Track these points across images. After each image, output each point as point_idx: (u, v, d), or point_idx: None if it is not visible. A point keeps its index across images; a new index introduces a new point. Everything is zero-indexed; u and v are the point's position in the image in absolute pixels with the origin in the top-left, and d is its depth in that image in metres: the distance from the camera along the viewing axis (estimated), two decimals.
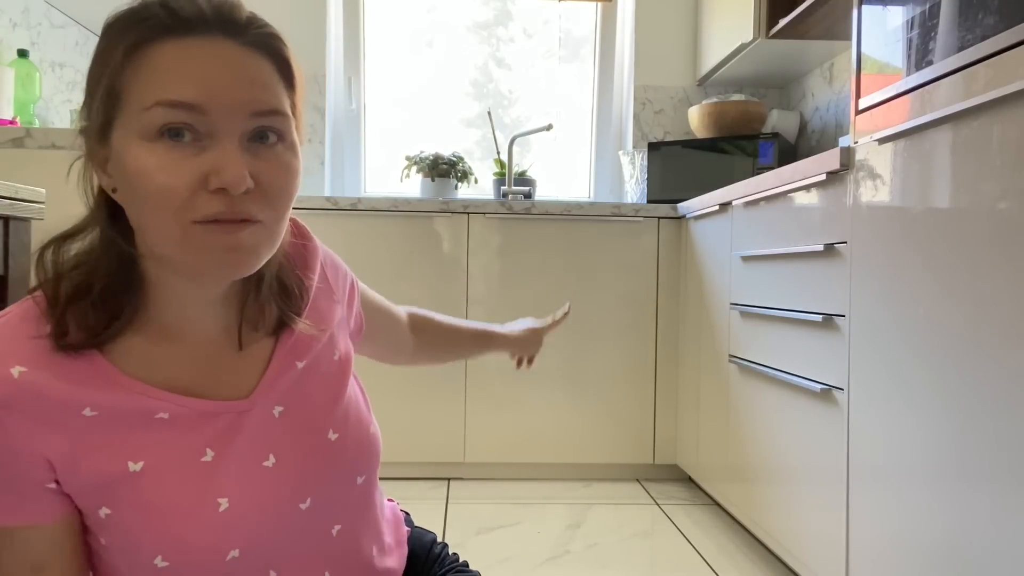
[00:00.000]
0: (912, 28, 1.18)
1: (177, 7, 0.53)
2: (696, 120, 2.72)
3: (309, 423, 0.66)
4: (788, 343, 1.60)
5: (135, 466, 0.56)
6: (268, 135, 0.56)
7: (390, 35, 3.12)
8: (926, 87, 1.12)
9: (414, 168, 2.87)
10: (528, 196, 2.91)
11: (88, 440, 0.55)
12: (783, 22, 2.21)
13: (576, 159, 3.18)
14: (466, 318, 2.42)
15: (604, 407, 2.45)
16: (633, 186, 2.82)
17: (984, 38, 1.00)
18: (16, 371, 0.53)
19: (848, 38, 2.18)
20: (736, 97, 2.69)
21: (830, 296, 1.41)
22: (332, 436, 0.67)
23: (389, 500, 0.83)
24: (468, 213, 2.41)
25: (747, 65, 2.67)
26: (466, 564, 0.85)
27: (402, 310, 0.94)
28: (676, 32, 2.98)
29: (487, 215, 2.42)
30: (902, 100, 1.19)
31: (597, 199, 3.11)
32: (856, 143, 1.33)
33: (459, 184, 2.89)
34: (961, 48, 1.05)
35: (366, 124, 3.09)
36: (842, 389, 1.36)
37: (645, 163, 2.74)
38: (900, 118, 1.19)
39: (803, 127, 2.71)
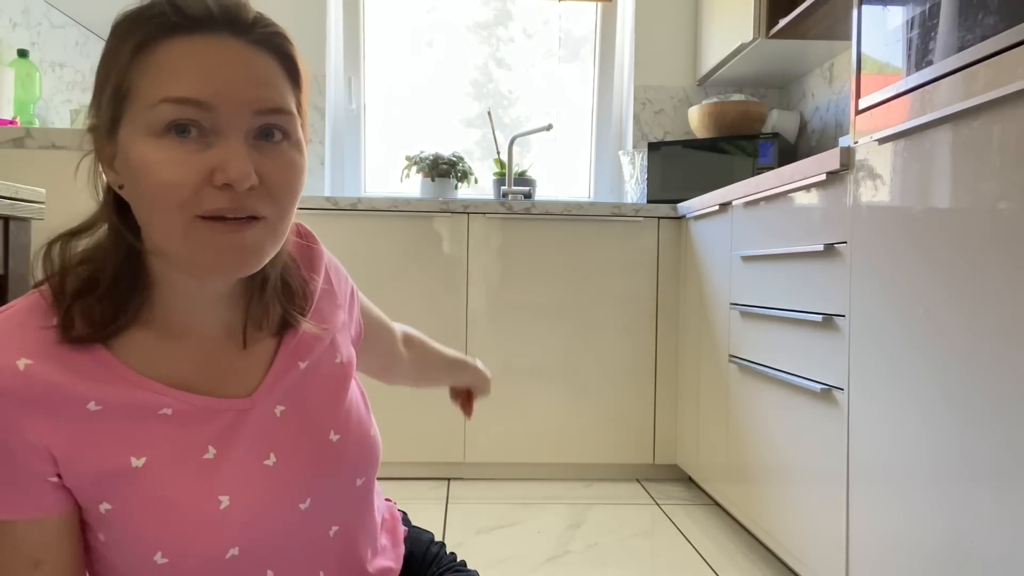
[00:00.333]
0: (912, 28, 1.18)
1: (184, 5, 0.54)
2: (696, 120, 2.72)
3: (310, 423, 0.66)
4: (788, 343, 1.60)
5: (137, 461, 0.56)
6: (274, 133, 0.56)
7: (390, 35, 3.12)
8: (926, 87, 1.12)
9: (414, 168, 2.87)
10: (528, 196, 2.91)
11: (91, 434, 0.55)
12: (783, 22, 2.21)
13: (576, 159, 3.18)
14: (466, 318, 2.42)
15: (604, 407, 2.45)
16: (633, 186, 2.82)
17: (984, 38, 1.00)
18: (22, 363, 0.53)
19: (848, 38, 2.18)
20: (736, 97, 2.69)
21: (830, 296, 1.41)
22: (333, 437, 0.67)
23: (387, 500, 0.83)
24: (468, 213, 2.41)
25: (747, 65, 2.67)
26: (464, 563, 0.85)
27: (396, 326, 0.94)
28: (676, 32, 2.98)
29: (487, 215, 2.42)
30: (902, 100, 1.19)
31: (597, 199, 3.11)
32: (856, 143, 1.33)
33: (459, 184, 2.89)
34: (961, 48, 1.05)
35: (366, 124, 3.09)
36: (842, 389, 1.36)
37: (645, 163, 2.74)
38: (900, 118, 1.19)
39: (803, 127, 2.72)
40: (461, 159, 2.88)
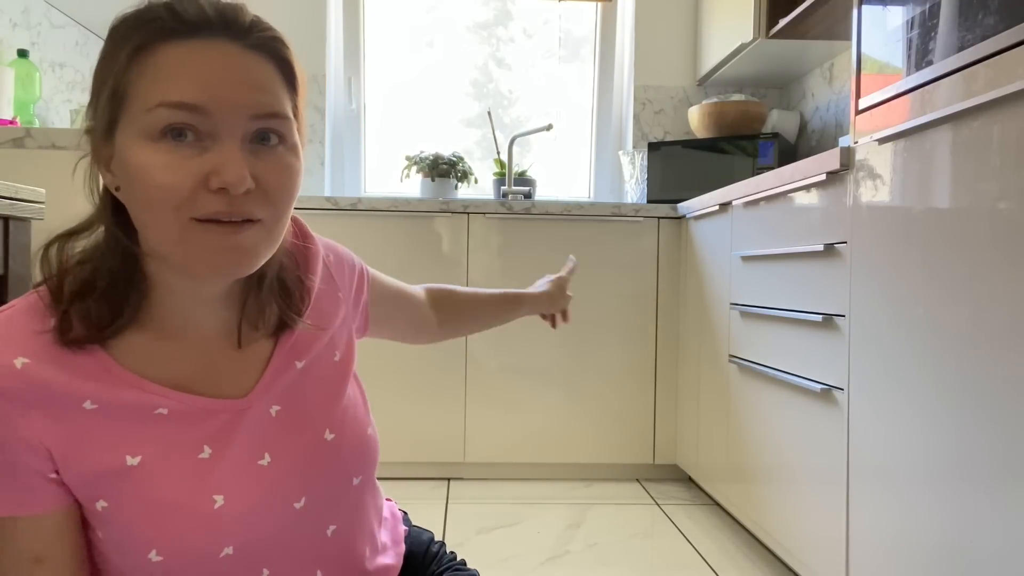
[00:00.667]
0: (912, 28, 1.18)
1: (181, 10, 0.54)
2: (696, 120, 2.72)
3: (305, 423, 0.66)
4: (788, 343, 1.60)
5: (133, 460, 0.57)
6: (270, 137, 0.57)
7: (390, 35, 3.12)
8: (926, 87, 1.12)
9: (414, 168, 2.87)
10: (528, 196, 2.91)
11: (87, 432, 0.56)
12: (783, 22, 2.21)
13: (576, 159, 3.18)
14: None
15: (604, 407, 2.45)
16: (633, 186, 2.82)
17: (984, 38, 1.00)
18: (19, 362, 0.54)
19: (848, 38, 2.18)
20: (736, 97, 2.69)
21: (830, 296, 1.41)
22: (328, 436, 0.67)
23: (388, 500, 0.83)
24: (468, 213, 2.41)
25: (747, 65, 2.67)
26: (464, 563, 0.85)
27: (419, 288, 0.94)
28: (676, 32, 2.98)
29: (487, 215, 2.42)
30: (902, 100, 1.19)
31: (597, 199, 3.11)
32: (856, 143, 1.33)
33: (459, 184, 2.89)
34: (961, 48, 1.05)
35: (366, 124, 3.09)
36: (842, 389, 1.36)
37: (645, 163, 2.74)
38: (900, 118, 1.19)
39: (803, 127, 2.71)
40: (461, 159, 2.88)
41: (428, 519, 2.02)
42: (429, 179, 2.84)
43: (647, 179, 2.70)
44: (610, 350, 2.45)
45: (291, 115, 0.58)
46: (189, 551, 0.58)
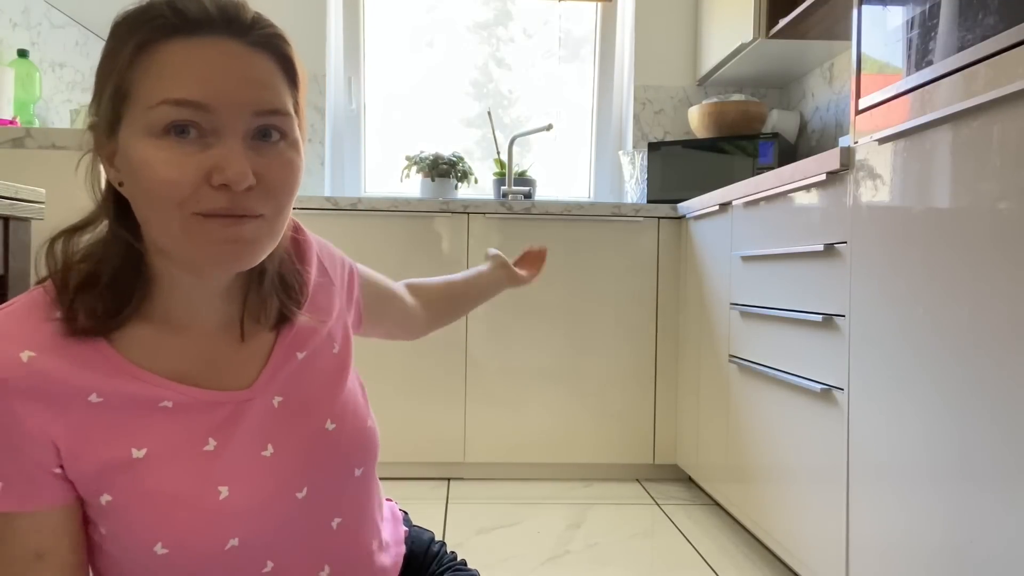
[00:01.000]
0: (912, 28, 1.18)
1: (183, 7, 0.55)
2: (696, 120, 2.72)
3: (307, 413, 0.67)
4: (788, 343, 1.60)
5: (138, 453, 0.57)
6: (271, 133, 0.57)
7: (390, 35, 3.12)
8: (926, 87, 1.12)
9: (414, 168, 2.87)
10: (528, 196, 2.91)
11: (93, 425, 0.56)
12: (783, 22, 2.21)
13: (576, 159, 3.18)
14: (466, 318, 2.42)
15: (604, 407, 2.45)
16: (633, 186, 2.82)
17: (984, 38, 1.00)
18: (25, 355, 0.54)
19: (848, 38, 2.18)
20: (736, 97, 2.69)
21: (830, 296, 1.41)
22: (329, 426, 0.67)
23: (388, 499, 0.84)
24: (468, 213, 2.41)
25: (747, 65, 2.67)
26: (464, 563, 0.85)
27: (400, 285, 0.95)
28: (676, 32, 2.98)
29: (487, 215, 2.42)
30: (902, 100, 1.19)
31: (597, 199, 3.11)
32: (856, 143, 1.33)
33: (459, 184, 2.89)
34: (961, 48, 1.05)
35: (366, 124, 3.09)
36: (842, 389, 1.36)
37: (645, 163, 2.74)
38: (900, 118, 1.19)
39: (803, 127, 2.72)
40: (461, 159, 2.88)
41: (428, 519, 2.02)
42: (429, 179, 2.84)
43: (647, 179, 2.70)
44: (610, 350, 2.45)
45: (292, 111, 0.59)
46: (195, 543, 0.58)
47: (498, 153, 3.00)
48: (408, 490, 2.30)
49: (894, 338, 1.20)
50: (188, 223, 0.55)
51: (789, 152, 2.51)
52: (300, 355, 0.68)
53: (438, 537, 0.89)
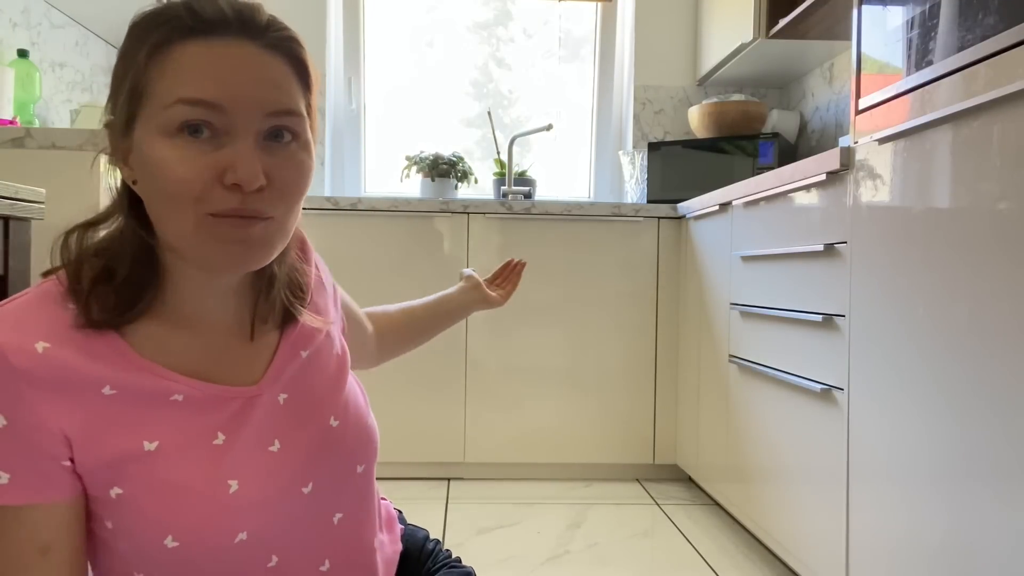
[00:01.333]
0: (912, 28, 1.18)
1: (200, 9, 0.56)
2: (696, 120, 2.72)
3: (311, 410, 0.68)
4: (788, 343, 1.60)
5: (150, 445, 0.58)
6: (283, 134, 0.58)
7: (390, 35, 3.12)
8: (926, 87, 1.13)
9: (414, 168, 2.87)
10: (528, 196, 2.91)
11: (106, 417, 0.57)
12: (783, 22, 2.21)
13: (576, 159, 3.18)
14: (467, 319, 2.42)
15: (604, 407, 2.45)
16: (633, 186, 2.82)
17: (984, 38, 1.00)
18: (40, 346, 0.55)
19: (848, 38, 2.18)
20: (736, 97, 2.69)
21: (830, 296, 1.41)
22: (333, 423, 0.69)
23: (383, 499, 0.84)
24: (468, 213, 2.41)
25: (747, 65, 2.67)
26: (459, 560, 0.85)
27: (365, 313, 0.96)
28: (676, 32, 2.98)
29: (487, 215, 2.42)
30: (902, 100, 1.19)
31: (597, 199, 3.11)
32: (856, 143, 1.33)
33: (459, 184, 2.89)
34: (961, 48, 1.05)
35: (366, 124, 3.09)
36: (842, 389, 1.36)
37: (645, 163, 2.74)
38: (900, 118, 1.19)
39: (803, 127, 2.72)
40: (461, 159, 2.88)
41: (428, 519, 2.02)
42: (429, 179, 2.84)
43: (647, 179, 2.70)
44: (610, 350, 2.45)
45: (304, 113, 0.60)
46: (206, 536, 0.58)
47: (498, 153, 3.00)
48: (408, 490, 2.30)
49: (894, 338, 1.20)
50: (201, 222, 0.55)
51: (789, 152, 2.51)
52: (304, 353, 0.69)
53: (440, 540, 0.89)
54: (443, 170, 2.83)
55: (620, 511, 2.15)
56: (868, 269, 1.28)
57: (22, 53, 1.92)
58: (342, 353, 0.74)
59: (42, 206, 1.10)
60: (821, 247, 1.42)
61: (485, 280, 1.14)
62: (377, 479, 0.77)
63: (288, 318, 0.68)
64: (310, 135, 0.61)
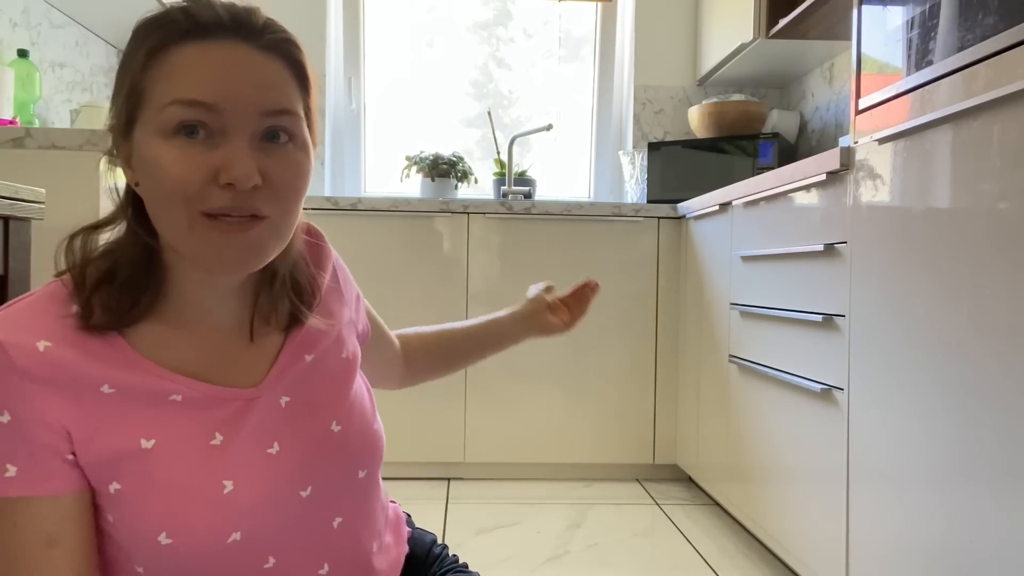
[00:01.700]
0: (912, 28, 1.18)
1: (196, 13, 0.57)
2: (696, 120, 2.72)
3: (313, 414, 0.68)
4: (788, 343, 1.60)
5: (147, 443, 0.59)
6: (279, 135, 0.59)
7: (390, 35, 3.12)
8: (926, 87, 1.13)
9: (414, 168, 2.87)
10: (528, 196, 2.91)
11: (104, 415, 0.58)
12: (783, 22, 2.21)
13: (576, 159, 3.18)
14: (465, 318, 2.42)
15: (604, 407, 2.45)
16: (633, 186, 2.82)
17: (984, 38, 1.00)
18: (42, 345, 0.56)
19: (848, 38, 2.17)
20: (736, 97, 2.69)
21: (830, 296, 1.41)
22: (335, 428, 0.68)
23: (392, 501, 0.84)
24: (468, 213, 2.41)
25: (747, 65, 2.67)
26: (465, 565, 0.85)
27: (393, 335, 0.94)
28: (676, 32, 2.98)
29: (487, 215, 2.42)
30: (902, 100, 1.19)
31: (597, 199, 3.11)
32: (856, 143, 1.33)
33: (459, 184, 2.89)
34: (961, 48, 1.05)
35: (366, 124, 3.09)
36: (842, 389, 1.36)
37: (645, 163, 2.74)
38: (900, 118, 1.19)
39: (803, 127, 2.72)
40: (461, 159, 2.88)
41: (428, 519, 2.02)
42: (429, 179, 2.84)
43: (647, 179, 2.70)
44: (610, 350, 2.45)
45: (301, 113, 0.60)
46: (198, 535, 0.59)
47: (498, 153, 3.00)
48: (408, 490, 2.30)
49: (894, 338, 1.20)
50: (195, 222, 0.56)
51: (789, 152, 2.51)
52: (308, 357, 0.69)
53: (440, 540, 0.89)
54: (443, 170, 2.83)
55: (620, 511, 2.15)
56: (868, 269, 1.28)
57: (22, 53, 1.92)
58: (352, 358, 0.74)
59: (42, 206, 1.10)
60: (821, 247, 1.42)
61: (556, 298, 1.00)
62: (381, 479, 0.77)
63: (293, 321, 0.68)
64: (308, 136, 0.61)
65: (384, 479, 0.78)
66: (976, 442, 1.00)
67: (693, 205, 2.26)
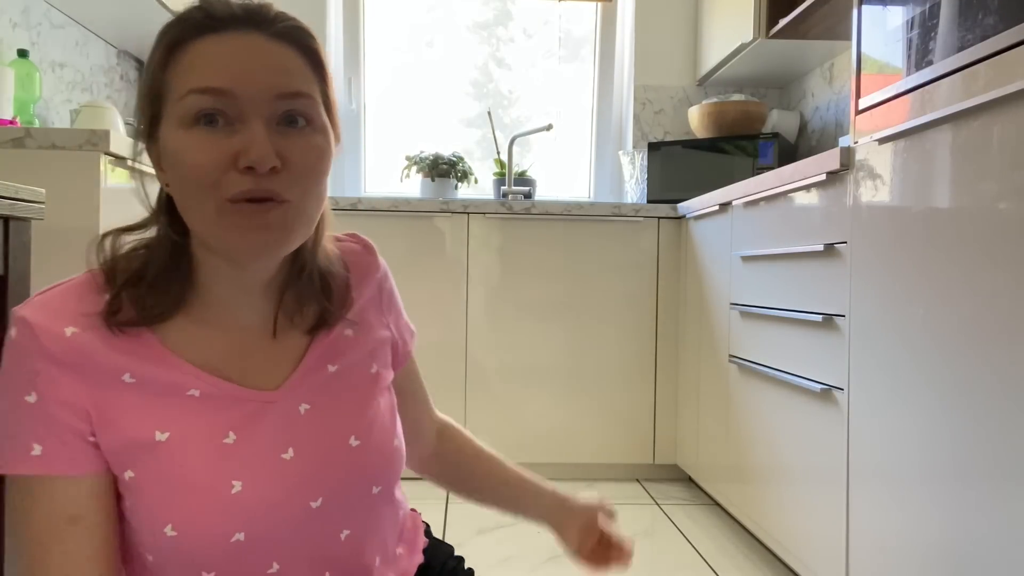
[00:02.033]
0: (912, 28, 1.18)
1: (210, 8, 0.59)
2: (696, 120, 2.72)
3: (332, 426, 0.67)
4: (788, 343, 1.60)
5: (161, 435, 0.60)
6: (297, 119, 0.60)
7: (390, 35, 3.12)
8: (926, 87, 1.12)
9: (414, 168, 2.87)
10: (528, 196, 2.91)
11: (123, 404, 0.59)
12: (783, 22, 2.21)
13: (576, 159, 3.18)
14: (466, 318, 2.42)
15: (604, 407, 2.44)
16: (633, 186, 2.82)
17: (984, 38, 1.00)
18: (69, 331, 0.58)
19: (848, 38, 2.17)
20: (736, 97, 2.69)
21: (830, 296, 1.41)
22: (354, 442, 0.67)
23: (413, 510, 0.83)
24: (468, 213, 2.41)
25: (747, 65, 2.67)
26: (471, 572, 0.85)
27: (438, 413, 0.90)
28: (676, 32, 2.98)
29: (487, 215, 2.42)
30: (902, 100, 1.19)
31: (597, 199, 3.11)
32: (856, 143, 1.33)
33: (459, 184, 2.89)
34: (961, 48, 1.05)
35: (366, 124, 3.09)
36: (842, 389, 1.36)
37: (645, 163, 2.74)
38: (900, 118, 1.19)
39: (803, 127, 2.71)
40: (461, 159, 2.88)
41: (428, 519, 2.02)
42: (429, 179, 2.84)
43: (647, 179, 2.70)
44: (610, 350, 2.44)
45: (316, 96, 0.61)
46: (202, 530, 0.59)
47: (498, 153, 3.00)
48: (408, 490, 2.27)
49: (894, 338, 1.20)
50: (221, 209, 0.57)
51: (789, 152, 2.51)
52: (332, 367, 0.68)
53: (447, 544, 0.89)
54: (443, 170, 2.83)
55: (620, 511, 2.14)
56: (868, 269, 1.27)
57: (22, 53, 1.92)
58: (381, 373, 0.73)
59: (42, 206, 1.10)
60: (821, 247, 1.42)
61: (597, 532, 0.89)
62: None
63: (320, 324, 0.68)
64: (327, 121, 0.62)
65: None
66: (976, 442, 1.00)
67: (693, 205, 2.26)
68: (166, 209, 0.63)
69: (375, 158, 3.10)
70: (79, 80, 2.32)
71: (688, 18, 2.98)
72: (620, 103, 3.08)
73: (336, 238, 0.73)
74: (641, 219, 2.44)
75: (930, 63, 1.12)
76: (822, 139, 2.58)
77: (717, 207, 2.05)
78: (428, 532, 0.87)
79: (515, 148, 2.90)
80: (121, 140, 1.32)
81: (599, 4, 3.11)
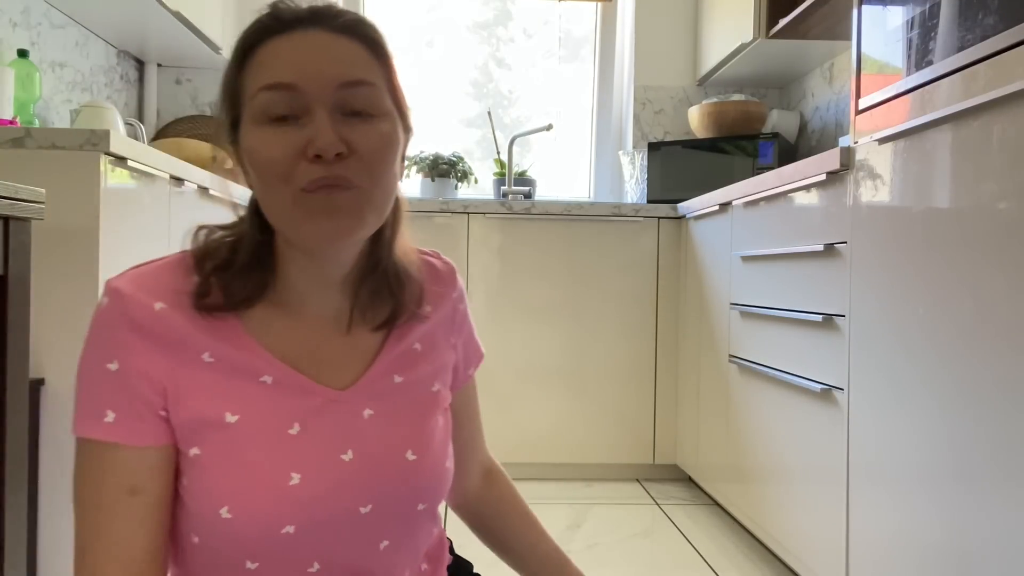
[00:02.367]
0: (912, 28, 1.18)
1: (278, 13, 0.62)
2: (696, 120, 2.72)
3: (393, 436, 0.68)
4: (788, 343, 1.60)
5: (231, 418, 0.61)
6: (363, 110, 0.61)
7: (390, 35, 3.11)
8: (926, 87, 1.13)
9: (414, 168, 2.87)
10: (528, 196, 2.91)
11: (200, 381, 0.61)
12: (783, 22, 2.21)
13: (576, 159, 3.18)
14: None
15: (604, 407, 2.45)
16: (633, 186, 2.82)
17: (984, 38, 1.00)
18: (158, 306, 0.60)
19: (848, 38, 2.17)
20: (736, 97, 2.69)
21: (830, 296, 1.41)
22: (410, 456, 0.68)
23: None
24: (468, 213, 2.41)
25: (747, 65, 2.67)
26: None
27: (490, 453, 0.89)
28: (676, 32, 2.98)
29: (487, 215, 2.42)
30: (902, 100, 1.19)
31: (597, 199, 3.11)
32: (856, 143, 1.33)
33: (459, 184, 2.89)
34: (961, 48, 1.05)
35: None
36: (842, 389, 1.36)
37: (645, 163, 2.74)
38: (900, 118, 1.19)
39: (803, 127, 2.72)
40: (461, 159, 2.88)
41: None
42: (429, 179, 2.84)
43: (647, 179, 2.70)
44: (610, 350, 2.44)
45: (379, 84, 0.63)
46: (256, 517, 0.60)
47: (498, 153, 3.00)
48: None
49: (894, 338, 1.20)
50: (296, 199, 0.59)
51: (789, 152, 2.51)
52: (398, 378, 0.70)
53: (474, 568, 0.89)
54: (443, 170, 2.83)
55: (620, 511, 2.15)
56: (868, 269, 1.28)
57: (22, 53, 1.92)
58: (441, 393, 0.73)
59: (42, 206, 1.10)
60: (821, 247, 1.42)
61: None
62: None
63: (391, 320, 0.69)
64: (393, 109, 0.65)
65: None
66: (976, 441, 1.00)
67: (693, 205, 2.26)
68: (255, 210, 0.65)
69: None
70: (79, 80, 2.32)
71: (688, 18, 2.98)
72: (620, 103, 3.08)
73: (421, 251, 0.77)
74: (641, 219, 2.44)
75: (930, 63, 1.12)
76: (822, 139, 2.58)
77: (717, 207, 2.05)
78: (451, 549, 0.86)
79: (515, 148, 2.90)
80: (121, 140, 1.32)
81: (599, 4, 3.11)
